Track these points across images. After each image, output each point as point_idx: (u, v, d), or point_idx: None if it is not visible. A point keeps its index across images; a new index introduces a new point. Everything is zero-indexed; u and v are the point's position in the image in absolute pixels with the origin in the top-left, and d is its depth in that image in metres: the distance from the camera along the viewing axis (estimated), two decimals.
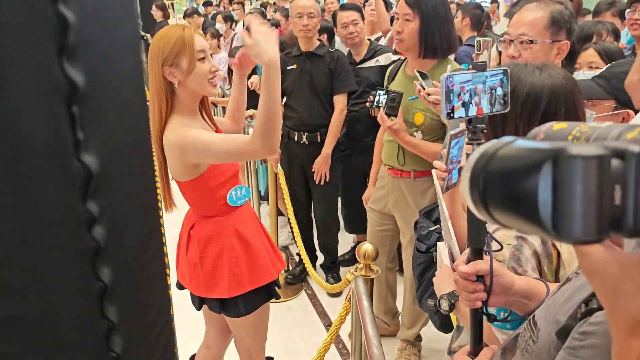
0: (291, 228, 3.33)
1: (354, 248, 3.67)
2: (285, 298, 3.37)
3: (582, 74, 2.33)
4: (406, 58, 2.48)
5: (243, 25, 1.59)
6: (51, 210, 0.51)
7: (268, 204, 3.66)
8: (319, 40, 3.28)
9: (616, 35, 2.52)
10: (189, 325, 2.50)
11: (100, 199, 0.55)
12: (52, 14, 0.51)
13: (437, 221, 1.70)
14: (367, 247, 1.87)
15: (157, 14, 8.49)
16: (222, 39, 6.08)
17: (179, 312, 2.58)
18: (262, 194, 4.18)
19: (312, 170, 3.24)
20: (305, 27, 3.10)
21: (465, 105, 0.91)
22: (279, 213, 3.70)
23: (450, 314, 1.33)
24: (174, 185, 1.89)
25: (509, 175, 0.46)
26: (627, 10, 2.78)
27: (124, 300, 0.60)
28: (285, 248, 3.91)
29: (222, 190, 1.81)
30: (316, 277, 2.86)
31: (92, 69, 0.55)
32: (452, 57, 2.57)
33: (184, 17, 8.83)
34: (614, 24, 2.70)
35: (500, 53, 2.02)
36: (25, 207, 0.50)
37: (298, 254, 3.40)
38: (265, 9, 7.93)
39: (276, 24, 5.28)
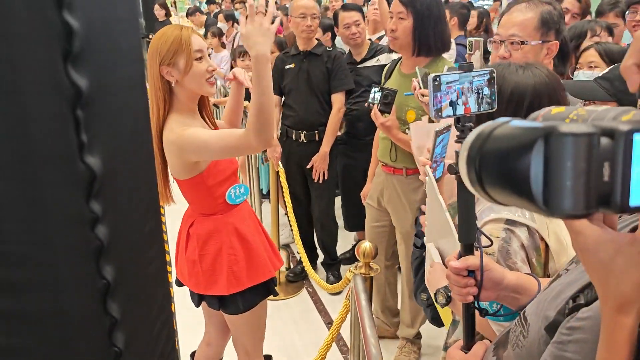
0: (291, 226, 3.35)
1: (355, 246, 3.69)
2: (287, 296, 3.39)
3: (583, 74, 2.34)
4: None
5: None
6: (58, 210, 0.53)
7: (269, 202, 3.68)
8: (316, 39, 3.30)
9: (610, 31, 2.52)
10: (190, 322, 2.52)
11: (103, 199, 0.58)
12: (57, 21, 0.53)
13: None
14: (366, 245, 1.89)
15: (159, 13, 8.50)
16: (224, 37, 6.09)
17: (180, 310, 2.60)
18: (263, 192, 4.20)
19: (310, 168, 3.27)
20: (308, 27, 3.12)
21: (452, 104, 0.93)
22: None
23: (441, 310, 1.35)
24: (174, 184, 1.91)
25: (504, 154, 0.48)
26: (627, 12, 2.79)
27: (126, 297, 0.62)
28: (287, 246, 3.92)
29: (221, 189, 1.83)
30: (315, 277, 2.88)
31: (96, 74, 0.57)
32: (448, 55, 2.59)
33: (187, 16, 8.84)
34: (608, 22, 2.70)
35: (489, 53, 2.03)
36: (34, 208, 0.52)
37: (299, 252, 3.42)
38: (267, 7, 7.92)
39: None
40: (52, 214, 0.53)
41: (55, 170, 0.53)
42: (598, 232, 0.57)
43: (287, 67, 3.26)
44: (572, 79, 2.41)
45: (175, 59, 1.70)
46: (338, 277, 3.44)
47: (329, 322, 3.10)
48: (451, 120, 1.28)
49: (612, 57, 2.17)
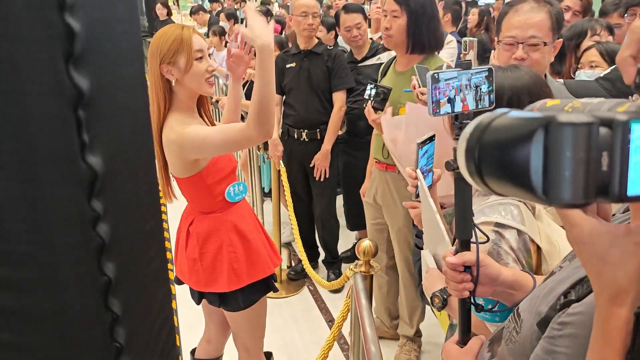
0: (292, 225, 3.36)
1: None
2: (288, 294, 3.40)
3: (584, 74, 2.35)
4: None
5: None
6: (59, 209, 0.54)
7: (271, 200, 3.70)
8: (317, 38, 3.31)
9: (610, 31, 2.52)
10: (191, 320, 2.53)
11: (104, 198, 0.58)
12: (59, 23, 0.54)
13: None
14: (366, 243, 1.90)
15: (161, 12, 8.50)
16: (226, 36, 6.09)
17: (182, 308, 2.61)
18: (265, 190, 4.21)
19: (312, 166, 3.28)
20: (310, 26, 3.13)
21: (451, 101, 0.94)
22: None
23: (438, 314, 1.37)
24: (173, 183, 1.92)
25: (503, 145, 0.48)
26: (626, 15, 2.78)
27: (127, 294, 0.63)
28: (288, 244, 3.93)
29: (221, 187, 1.84)
30: (314, 276, 2.89)
31: (97, 75, 0.57)
32: (449, 54, 2.60)
33: (190, 15, 8.84)
34: (611, 22, 2.70)
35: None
36: (36, 207, 0.53)
37: None
38: (269, 5, 7.93)
39: (282, 21, 5.29)
40: (53, 213, 0.54)
41: (57, 170, 0.54)
42: (593, 223, 0.57)
43: (288, 66, 3.27)
44: (574, 78, 2.42)
45: (176, 58, 1.71)
46: (339, 276, 3.45)
47: (329, 320, 3.11)
48: (433, 131, 1.30)
49: (613, 57, 2.18)
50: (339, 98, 3.19)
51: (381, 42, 3.53)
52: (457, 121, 0.98)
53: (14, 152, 0.52)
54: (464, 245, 0.99)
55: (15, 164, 0.52)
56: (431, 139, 1.36)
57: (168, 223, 3.64)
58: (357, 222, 3.46)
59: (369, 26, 3.95)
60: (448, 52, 3.76)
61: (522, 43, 1.73)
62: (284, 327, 3.04)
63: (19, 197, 0.52)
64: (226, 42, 5.85)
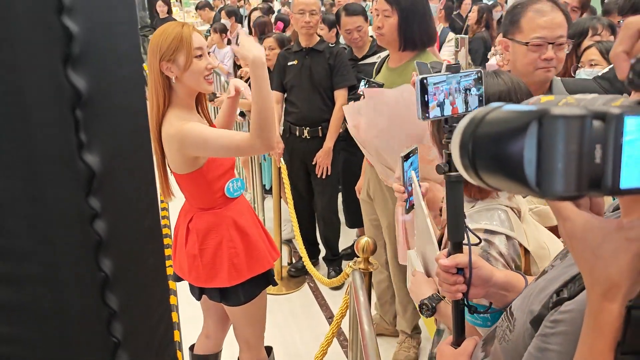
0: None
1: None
2: (288, 290, 3.42)
3: (584, 72, 2.35)
4: None
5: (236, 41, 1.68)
6: (58, 207, 0.56)
7: (272, 197, 3.71)
8: (319, 36, 3.31)
9: (612, 29, 2.53)
10: (191, 316, 2.55)
11: (102, 196, 0.60)
12: (57, 26, 0.55)
13: None
14: (365, 240, 1.91)
15: (162, 9, 8.51)
16: (227, 33, 6.10)
17: (182, 305, 2.62)
18: (266, 187, 4.23)
19: (314, 164, 3.29)
20: (307, 23, 3.14)
21: (440, 105, 0.95)
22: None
23: (425, 320, 1.37)
24: (172, 179, 1.94)
25: (497, 138, 0.48)
26: (620, 21, 2.77)
27: (124, 290, 0.65)
28: (289, 241, 3.95)
29: (220, 182, 1.86)
30: (314, 273, 2.91)
31: (95, 76, 0.59)
32: (449, 52, 2.60)
33: (196, 9, 8.83)
34: (613, 20, 2.70)
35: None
36: (35, 205, 0.55)
37: None
38: (270, 3, 7.93)
39: (284, 19, 5.30)
40: (52, 211, 0.56)
41: (56, 169, 0.55)
42: (586, 218, 0.58)
43: (289, 63, 3.28)
44: (574, 77, 2.42)
45: (176, 56, 1.73)
46: (339, 273, 3.46)
47: (330, 317, 3.13)
48: (391, 114, 1.29)
49: None
50: (341, 95, 3.20)
51: None
52: (447, 124, 0.98)
53: (14, 151, 0.53)
54: (456, 248, 1.00)
55: (15, 163, 0.54)
56: (414, 151, 1.37)
57: (170, 220, 3.65)
58: (356, 219, 3.47)
59: (370, 24, 3.94)
60: (449, 50, 3.77)
61: (552, 43, 1.73)
62: (284, 324, 3.06)
63: (19, 195, 0.54)
64: (228, 40, 5.87)
